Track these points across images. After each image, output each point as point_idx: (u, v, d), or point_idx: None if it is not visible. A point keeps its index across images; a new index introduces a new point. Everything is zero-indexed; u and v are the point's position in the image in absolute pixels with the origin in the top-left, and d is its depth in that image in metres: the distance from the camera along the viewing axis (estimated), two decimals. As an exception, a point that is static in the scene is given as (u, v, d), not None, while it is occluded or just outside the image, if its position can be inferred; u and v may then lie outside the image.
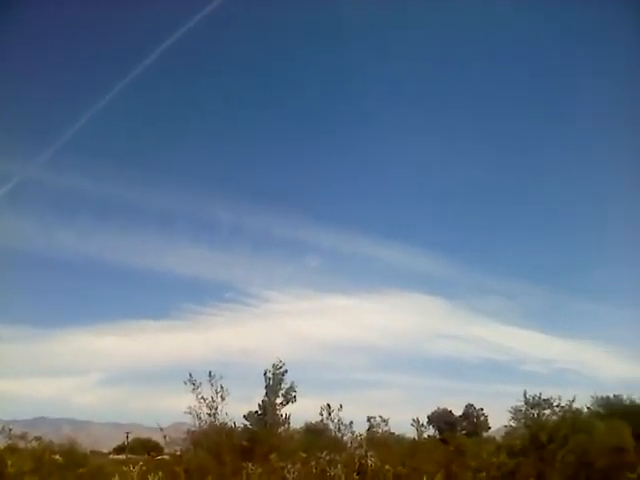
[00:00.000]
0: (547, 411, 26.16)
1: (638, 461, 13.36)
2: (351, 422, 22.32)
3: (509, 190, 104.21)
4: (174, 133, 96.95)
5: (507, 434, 29.30)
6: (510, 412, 27.56)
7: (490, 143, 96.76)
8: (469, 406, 65.44)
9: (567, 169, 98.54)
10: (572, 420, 26.22)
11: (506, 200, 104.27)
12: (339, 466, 15.14)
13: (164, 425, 21.70)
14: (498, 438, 36.48)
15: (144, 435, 67.72)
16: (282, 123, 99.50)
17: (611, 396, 41.66)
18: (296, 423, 33.01)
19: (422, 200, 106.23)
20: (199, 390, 19.77)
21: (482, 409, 64.59)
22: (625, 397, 41.09)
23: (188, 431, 23.85)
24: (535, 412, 26.23)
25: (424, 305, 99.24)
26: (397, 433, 37.73)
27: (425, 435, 38.23)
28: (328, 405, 23.13)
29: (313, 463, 16.10)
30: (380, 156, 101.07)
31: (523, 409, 26.70)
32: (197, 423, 20.43)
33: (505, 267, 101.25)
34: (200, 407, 19.82)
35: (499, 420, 28.38)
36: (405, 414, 50.18)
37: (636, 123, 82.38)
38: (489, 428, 62.15)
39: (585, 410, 36.28)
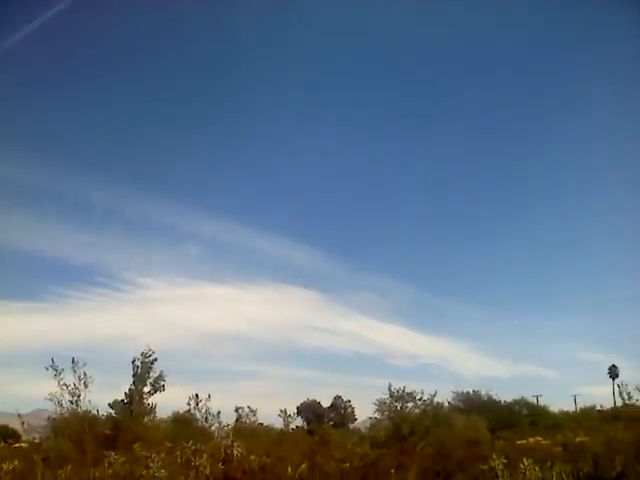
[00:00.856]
0: (410, 404, 27.05)
1: (491, 453, 13.94)
2: (219, 412, 21.95)
3: (384, 188, 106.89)
4: (43, 108, 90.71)
5: (372, 426, 30.01)
6: (375, 404, 28.21)
7: (376, 135, 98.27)
8: (337, 398, 66.71)
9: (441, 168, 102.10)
10: (433, 413, 27.36)
11: (380, 198, 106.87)
12: (204, 456, 14.71)
13: (24, 412, 20.28)
14: (364, 429, 37.49)
15: (1, 422, 63.32)
16: (166, 106, 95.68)
17: (470, 392, 43.93)
18: (165, 412, 32.21)
19: (300, 194, 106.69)
20: (61, 376, 18.60)
21: (349, 401, 66.02)
22: (483, 393, 43.50)
23: (49, 418, 22.55)
24: (399, 405, 27.04)
25: (299, 298, 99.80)
26: (267, 424, 37.94)
27: (293, 426, 38.60)
28: (196, 395, 22.63)
29: (178, 453, 15.54)
30: (261, 148, 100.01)
31: (387, 402, 27.42)
32: (58, 410, 19.25)
33: (378, 264, 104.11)
34: (62, 394, 18.67)
35: (366, 412, 29.01)
36: (277, 405, 50.34)
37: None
38: (355, 419, 63.76)
39: (446, 404, 38.07)
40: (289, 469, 15.05)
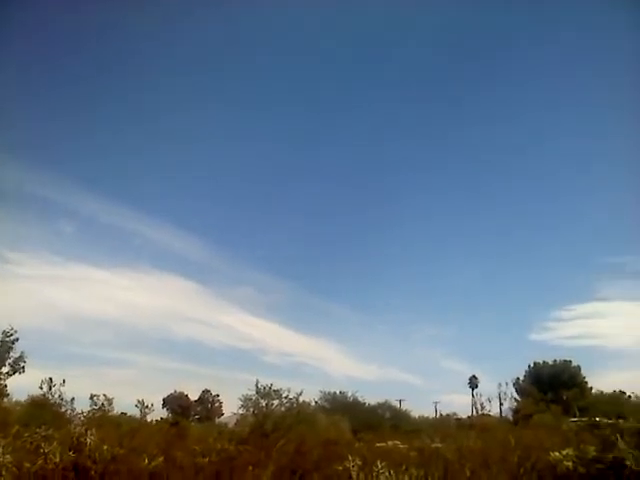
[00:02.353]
0: (276, 402, 27.04)
1: (347, 454, 13.92)
2: (72, 398, 20.90)
3: (277, 177, 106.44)
4: None
5: (237, 421, 29.77)
6: (241, 400, 28.01)
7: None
8: (205, 392, 65.99)
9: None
10: (297, 412, 27.43)
11: (269, 189, 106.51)
12: (54, 443, 13.83)
13: None
14: (231, 425, 37.13)
15: None
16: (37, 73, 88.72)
17: (337, 392, 44.78)
18: (23, 396, 30.35)
19: (185, 179, 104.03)
20: None
21: (218, 395, 65.46)
22: (350, 394, 44.45)
23: None
24: (264, 402, 26.94)
25: (176, 287, 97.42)
26: (131, 413, 36.72)
27: (157, 417, 37.54)
28: (50, 379, 21.44)
29: (27, 438, 14.52)
30: (144, 130, 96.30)
31: (253, 398, 27.27)
32: None
33: (259, 260, 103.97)
34: None
35: (235, 407, 28.64)
36: (143, 394, 48.81)
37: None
38: (222, 414, 63.26)
39: (313, 404, 38.50)
40: (145, 461, 14.43)
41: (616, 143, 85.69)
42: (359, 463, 13.04)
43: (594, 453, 14.19)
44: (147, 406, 34.24)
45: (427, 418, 49.36)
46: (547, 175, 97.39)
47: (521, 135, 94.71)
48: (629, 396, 54.11)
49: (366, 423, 36.08)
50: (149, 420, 35.20)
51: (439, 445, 17.48)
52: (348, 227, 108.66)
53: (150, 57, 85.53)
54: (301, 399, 28.23)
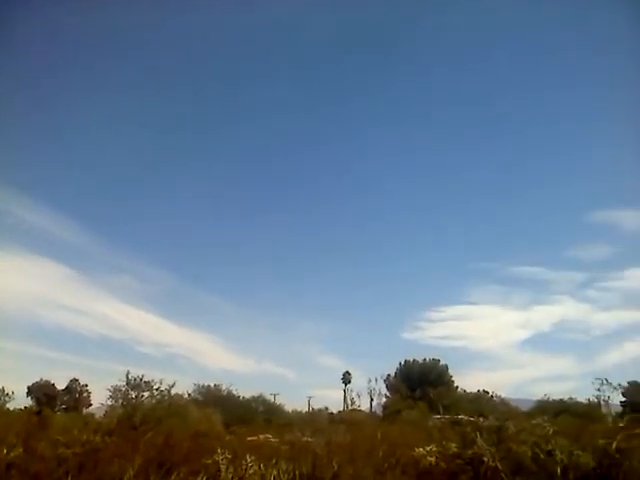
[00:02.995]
0: (147, 393, 26.31)
1: (217, 447, 13.73)
2: None
3: (160, 162, 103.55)
4: None
5: (105, 413, 28.72)
6: (109, 391, 27.04)
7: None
8: (73, 381, 63.12)
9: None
10: (169, 404, 26.83)
11: (151, 173, 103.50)
12: None
13: None
14: (99, 415, 35.78)
15: None
16: None
17: (211, 385, 44.30)
18: None
19: (63, 159, 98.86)
20: None
21: (87, 385, 62.86)
22: (224, 387, 44.11)
23: None
24: (134, 393, 26.14)
25: (49, 271, 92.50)
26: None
27: (14, 405, 35.38)
28: None
29: None
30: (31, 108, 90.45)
31: (123, 389, 26.40)
32: None
33: (138, 248, 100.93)
34: None
35: (103, 398, 27.58)
36: (8, 382, 45.93)
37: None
38: (91, 405, 60.90)
39: (186, 396, 37.81)
40: (4, 451, 13.55)
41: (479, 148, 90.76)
42: (229, 457, 12.90)
43: (455, 449, 14.88)
44: (7, 394, 32.14)
45: (300, 412, 49.95)
46: (427, 184, 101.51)
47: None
48: (491, 395, 57.66)
49: (239, 417, 35.94)
50: (10, 408, 33.09)
51: (310, 439, 17.67)
52: (233, 226, 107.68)
53: None
54: (174, 391, 27.68)
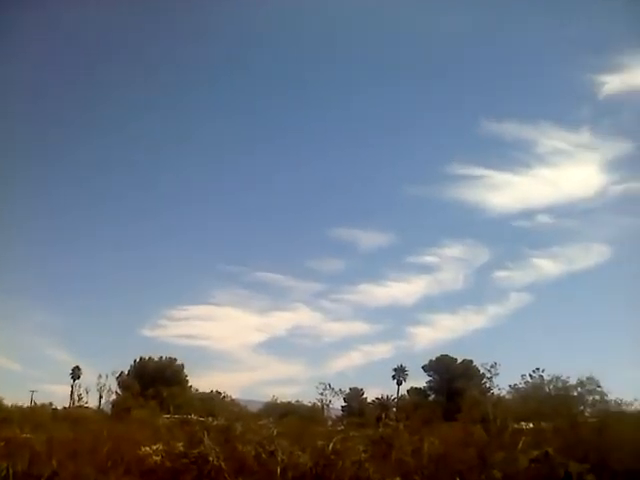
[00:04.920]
0: None
1: None
2: None
3: None
4: None
5: None
6: None
7: None
8: None
9: None
10: None
11: None
12: None
13: None
14: None
15: None
16: None
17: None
18: None
19: None
20: None
21: None
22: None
23: None
24: None
25: None
26: None
27: None
28: None
29: None
30: None
31: None
32: None
33: None
34: None
35: None
36: None
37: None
38: None
39: None
40: None
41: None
42: None
43: (181, 448, 15.20)
44: None
45: (21, 407, 46.01)
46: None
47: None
48: (223, 396, 59.04)
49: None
50: None
51: (29, 436, 16.65)
52: None
53: None
54: None
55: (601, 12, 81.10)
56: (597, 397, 31.89)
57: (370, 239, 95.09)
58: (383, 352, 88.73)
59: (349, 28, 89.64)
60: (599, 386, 31.54)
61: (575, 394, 32.11)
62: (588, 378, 31.79)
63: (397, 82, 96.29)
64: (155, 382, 57.29)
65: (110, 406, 49.60)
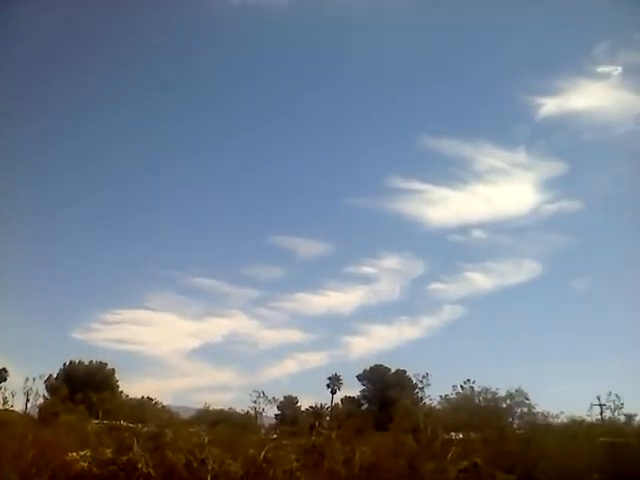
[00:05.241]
0: None
1: None
2: None
3: None
4: None
5: None
6: None
7: None
8: None
9: None
10: None
11: None
12: None
13: None
14: None
15: None
16: None
17: None
18: None
19: None
20: None
21: None
22: None
23: None
24: None
25: None
26: None
27: None
28: None
29: None
30: None
31: None
32: None
33: None
34: None
35: None
36: None
37: None
38: None
39: None
40: None
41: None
42: None
43: (110, 455, 14.87)
44: None
45: None
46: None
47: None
48: (155, 402, 57.84)
49: None
50: None
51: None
52: None
53: None
54: None
55: (542, 36, 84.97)
56: (525, 409, 32.95)
57: (309, 248, 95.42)
58: (318, 360, 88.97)
59: (291, 46, 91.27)
60: (527, 399, 32.58)
61: (504, 406, 33.03)
62: (517, 390, 32.77)
63: (340, 95, 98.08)
64: (85, 387, 55.66)
65: (37, 410, 47.94)
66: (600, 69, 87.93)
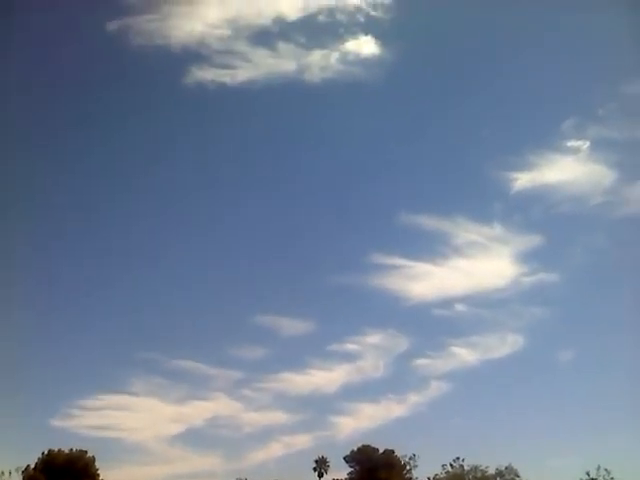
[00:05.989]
0: None
1: None
2: None
3: None
4: None
5: None
6: None
7: None
8: None
9: None
10: None
11: None
12: None
13: None
14: None
15: None
16: None
17: None
18: None
19: None
20: None
21: None
22: None
23: None
24: None
25: None
26: None
27: None
28: None
29: None
30: None
31: None
32: None
33: None
34: None
35: None
36: None
37: None
38: None
39: None
40: None
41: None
42: None
43: None
44: None
45: None
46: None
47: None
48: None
49: None
50: None
51: None
52: None
53: None
54: None
55: (512, 114, 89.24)
56: (516, 486, 32.76)
57: (292, 326, 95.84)
58: (304, 442, 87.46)
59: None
60: (517, 475, 32.57)
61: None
62: (507, 468, 32.89)
63: (324, 175, 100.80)
64: (64, 476, 54.23)
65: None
66: (570, 144, 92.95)
